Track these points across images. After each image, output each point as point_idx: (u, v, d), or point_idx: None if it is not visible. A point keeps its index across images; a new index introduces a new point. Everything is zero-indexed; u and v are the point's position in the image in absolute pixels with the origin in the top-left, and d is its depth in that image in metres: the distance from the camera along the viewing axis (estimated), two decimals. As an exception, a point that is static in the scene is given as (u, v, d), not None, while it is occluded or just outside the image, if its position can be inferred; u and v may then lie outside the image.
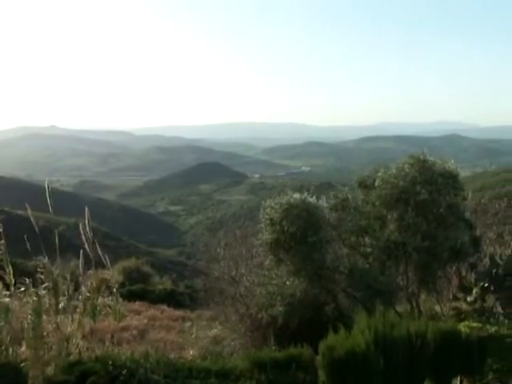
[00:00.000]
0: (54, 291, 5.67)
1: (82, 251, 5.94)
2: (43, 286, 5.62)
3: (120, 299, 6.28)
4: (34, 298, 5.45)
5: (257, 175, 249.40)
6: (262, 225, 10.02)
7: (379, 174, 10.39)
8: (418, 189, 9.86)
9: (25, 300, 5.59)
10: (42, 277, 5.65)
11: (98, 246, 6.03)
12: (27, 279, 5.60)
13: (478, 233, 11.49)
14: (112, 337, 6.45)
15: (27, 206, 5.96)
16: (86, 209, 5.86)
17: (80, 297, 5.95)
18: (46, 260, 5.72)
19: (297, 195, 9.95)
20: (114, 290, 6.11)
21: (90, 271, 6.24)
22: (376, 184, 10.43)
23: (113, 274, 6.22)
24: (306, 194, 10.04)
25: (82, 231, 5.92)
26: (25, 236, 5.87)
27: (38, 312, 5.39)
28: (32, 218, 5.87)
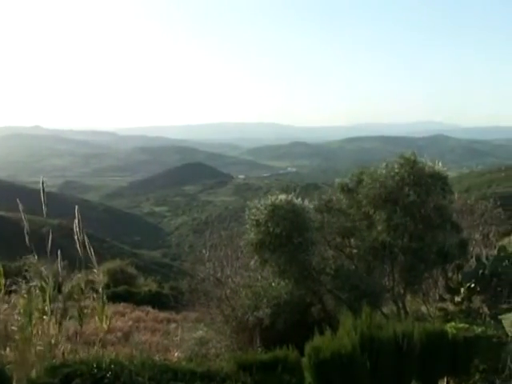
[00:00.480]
0: (43, 292, 5.60)
1: (59, 251, 5.85)
2: (31, 285, 5.54)
3: (105, 301, 6.22)
4: (24, 299, 5.37)
5: (242, 176, 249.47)
6: (248, 226, 9.98)
7: (368, 173, 10.39)
8: (407, 190, 9.87)
9: (12, 301, 5.52)
10: (30, 276, 5.58)
11: (88, 246, 5.96)
12: (19, 280, 5.54)
13: (465, 235, 11.53)
14: (100, 340, 6.38)
15: (21, 207, 5.86)
16: (77, 207, 5.79)
17: (62, 298, 5.88)
18: (35, 259, 5.65)
19: (282, 196, 9.93)
20: (100, 291, 6.04)
21: (79, 274, 6.18)
22: (364, 183, 10.43)
23: (102, 276, 6.16)
24: (291, 195, 10.02)
25: (75, 231, 5.84)
26: (13, 237, 5.80)
27: (27, 314, 5.32)
28: (25, 221, 5.77)
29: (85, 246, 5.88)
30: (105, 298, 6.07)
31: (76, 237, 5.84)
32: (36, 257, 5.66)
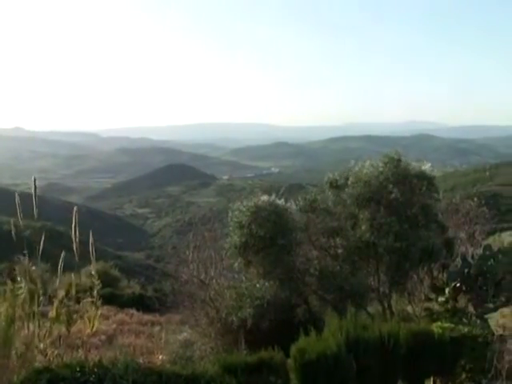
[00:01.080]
0: (31, 294, 5.51)
1: (40, 253, 5.75)
2: (20, 286, 5.44)
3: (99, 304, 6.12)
4: (6, 300, 5.27)
5: (225, 177, 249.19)
6: (231, 228, 9.93)
7: (353, 172, 10.39)
8: (390, 188, 9.88)
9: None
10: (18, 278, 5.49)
11: (92, 249, 5.88)
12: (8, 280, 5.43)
13: (450, 234, 11.56)
14: (83, 343, 6.30)
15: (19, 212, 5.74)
16: (75, 209, 5.71)
17: (48, 301, 5.79)
18: (26, 259, 5.55)
19: (265, 197, 9.89)
20: (95, 293, 5.95)
21: (65, 276, 6.10)
22: (349, 182, 10.42)
23: (94, 278, 6.06)
24: (273, 197, 9.98)
25: (72, 232, 5.76)
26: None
27: (9, 316, 5.22)
28: (20, 224, 5.66)
29: (77, 248, 5.81)
30: (99, 302, 5.99)
31: (73, 238, 5.76)
32: (27, 256, 5.56)
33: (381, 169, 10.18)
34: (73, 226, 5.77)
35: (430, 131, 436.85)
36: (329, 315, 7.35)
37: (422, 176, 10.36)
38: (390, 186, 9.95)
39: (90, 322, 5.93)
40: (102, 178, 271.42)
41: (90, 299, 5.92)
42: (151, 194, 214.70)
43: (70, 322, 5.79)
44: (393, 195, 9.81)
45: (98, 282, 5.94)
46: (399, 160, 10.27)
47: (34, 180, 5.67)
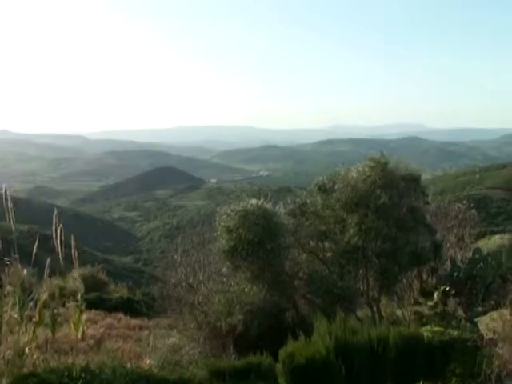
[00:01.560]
0: (20, 298, 5.44)
1: (32, 258, 5.70)
2: (7, 289, 5.37)
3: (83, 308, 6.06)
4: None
5: (214, 180, 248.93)
6: (219, 232, 9.89)
7: (340, 177, 10.38)
8: (378, 192, 9.87)
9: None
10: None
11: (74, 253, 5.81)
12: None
13: (438, 237, 11.57)
14: (71, 348, 6.24)
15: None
16: (56, 212, 5.65)
17: (34, 305, 5.72)
18: (14, 263, 5.49)
19: (253, 201, 9.85)
20: (79, 298, 5.89)
21: (51, 281, 6.04)
22: (336, 187, 10.40)
23: (73, 282, 6.01)
24: (262, 200, 9.94)
25: (53, 236, 5.69)
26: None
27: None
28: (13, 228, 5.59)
29: (60, 253, 5.75)
30: (83, 305, 5.94)
31: (58, 242, 5.70)
32: (14, 261, 5.50)
33: (368, 173, 10.17)
34: (53, 229, 5.71)
35: (419, 134, 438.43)
36: (318, 319, 7.32)
37: (409, 178, 10.37)
38: (378, 190, 9.94)
39: (75, 326, 5.88)
40: (90, 181, 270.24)
41: (74, 303, 5.88)
42: (139, 197, 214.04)
43: (54, 327, 5.73)
44: (381, 200, 9.79)
45: (82, 285, 5.89)
46: (386, 163, 10.27)
47: (5, 189, 5.61)
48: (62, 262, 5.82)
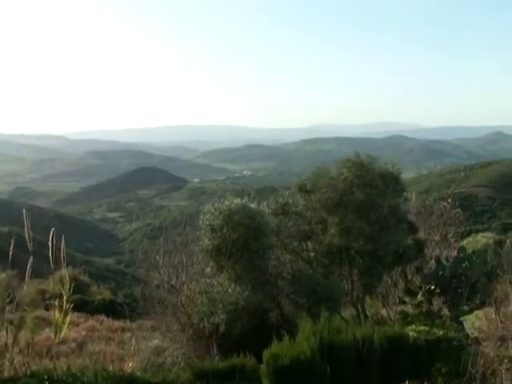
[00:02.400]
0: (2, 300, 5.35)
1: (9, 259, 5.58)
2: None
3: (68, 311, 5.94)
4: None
5: (197, 180, 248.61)
6: (202, 231, 9.80)
7: (320, 177, 10.38)
8: (356, 191, 9.90)
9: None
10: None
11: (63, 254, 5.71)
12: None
13: (422, 235, 11.58)
14: (48, 351, 6.13)
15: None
16: (25, 212, 5.55)
17: (14, 308, 5.61)
18: None
19: (238, 200, 9.78)
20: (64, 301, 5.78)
21: (32, 283, 5.92)
22: (316, 187, 10.40)
23: (54, 284, 5.90)
24: (246, 199, 9.89)
25: (27, 236, 5.58)
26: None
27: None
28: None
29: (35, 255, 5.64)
30: (69, 307, 5.83)
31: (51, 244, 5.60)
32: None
33: (345, 173, 10.19)
34: (25, 230, 5.60)
35: (404, 132, 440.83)
36: (302, 319, 7.28)
37: (388, 176, 10.39)
38: (355, 188, 9.97)
39: (58, 329, 5.78)
40: (71, 182, 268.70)
41: (58, 305, 5.78)
42: (121, 197, 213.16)
43: (34, 330, 5.64)
44: (357, 196, 9.82)
45: (67, 287, 5.78)
46: (361, 162, 10.29)
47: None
48: (44, 264, 5.72)
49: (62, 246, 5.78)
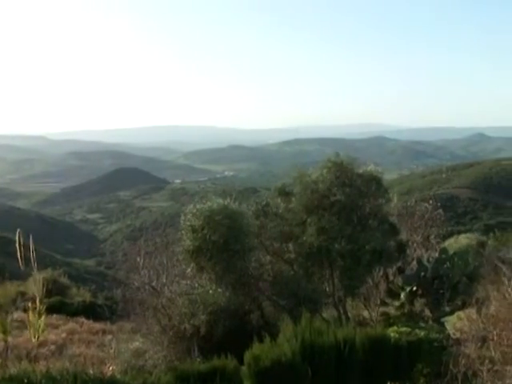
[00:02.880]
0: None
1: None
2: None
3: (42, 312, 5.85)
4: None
5: (178, 180, 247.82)
6: (183, 232, 9.76)
7: (300, 178, 10.37)
8: (336, 192, 9.89)
9: None
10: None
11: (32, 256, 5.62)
12: None
13: (404, 236, 11.60)
14: (28, 354, 6.05)
15: None
16: None
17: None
18: None
19: (219, 201, 9.75)
20: (37, 302, 5.69)
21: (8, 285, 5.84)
22: (295, 190, 10.41)
23: (35, 286, 5.80)
24: (227, 200, 9.85)
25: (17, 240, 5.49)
26: None
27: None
28: None
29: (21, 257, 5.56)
30: (42, 308, 5.74)
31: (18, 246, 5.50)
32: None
33: (325, 174, 10.19)
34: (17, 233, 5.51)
35: (386, 133, 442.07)
36: (283, 321, 7.27)
37: (369, 177, 10.41)
38: (335, 189, 9.97)
39: (34, 331, 5.70)
40: (52, 183, 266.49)
41: (33, 307, 5.70)
42: (102, 198, 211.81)
43: (7, 331, 5.56)
44: (337, 197, 9.82)
45: (41, 288, 5.69)
46: (342, 163, 10.30)
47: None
48: (22, 266, 5.62)
49: (31, 245, 5.70)
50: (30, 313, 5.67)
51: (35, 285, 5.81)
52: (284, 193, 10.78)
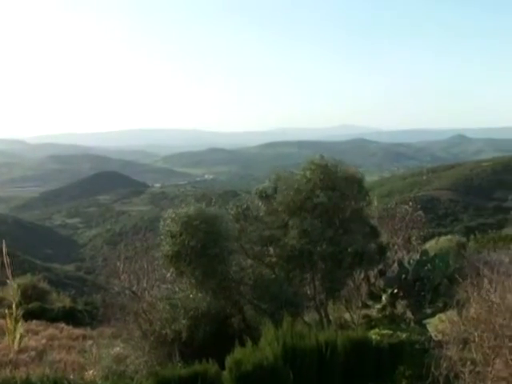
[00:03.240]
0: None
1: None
2: None
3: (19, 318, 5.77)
4: None
5: (158, 184, 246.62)
6: (162, 237, 9.71)
7: (283, 179, 10.36)
8: (319, 194, 9.90)
9: None
10: None
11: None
12: None
13: (385, 238, 11.63)
14: (10, 360, 5.98)
15: None
16: None
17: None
18: None
19: (196, 206, 9.71)
20: (13, 309, 5.61)
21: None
22: (278, 191, 10.38)
23: (14, 292, 5.72)
24: (203, 204, 9.82)
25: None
26: None
27: None
28: None
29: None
30: (19, 314, 5.66)
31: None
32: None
33: (309, 176, 10.19)
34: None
35: (366, 135, 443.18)
36: (265, 325, 7.23)
37: (351, 179, 10.43)
38: (318, 191, 9.97)
39: (12, 337, 5.63)
40: (30, 187, 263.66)
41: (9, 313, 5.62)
42: (81, 202, 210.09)
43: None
44: (320, 199, 9.82)
45: (17, 294, 5.62)
46: (326, 165, 10.31)
47: None
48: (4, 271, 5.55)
49: (4, 250, 5.63)
50: (8, 319, 5.61)
51: (11, 291, 5.74)
52: (265, 195, 10.77)
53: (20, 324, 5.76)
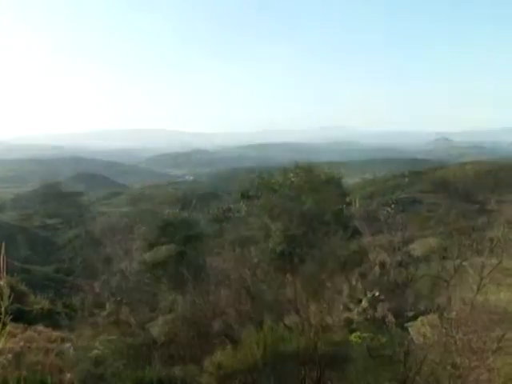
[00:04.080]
0: None
1: None
2: None
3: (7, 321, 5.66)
4: None
5: (138, 185, 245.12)
6: (139, 242, 9.71)
7: (265, 182, 10.35)
8: (304, 198, 9.91)
9: None
10: None
11: None
12: None
13: (366, 240, 11.65)
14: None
15: None
16: None
17: None
18: None
19: (172, 211, 9.73)
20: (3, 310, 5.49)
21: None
22: (260, 193, 10.38)
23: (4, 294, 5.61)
24: (178, 209, 9.85)
25: None
26: None
27: None
28: None
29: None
30: (7, 318, 5.56)
31: None
32: None
33: (293, 179, 10.21)
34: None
35: (349, 137, 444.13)
36: (245, 328, 7.22)
37: (332, 181, 10.47)
38: (304, 196, 9.99)
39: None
40: (9, 188, 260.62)
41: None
42: (60, 203, 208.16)
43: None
44: (307, 206, 9.83)
45: (6, 296, 5.54)
46: (310, 169, 10.34)
47: None
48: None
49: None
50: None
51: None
52: (247, 197, 10.76)
53: (7, 328, 5.68)
